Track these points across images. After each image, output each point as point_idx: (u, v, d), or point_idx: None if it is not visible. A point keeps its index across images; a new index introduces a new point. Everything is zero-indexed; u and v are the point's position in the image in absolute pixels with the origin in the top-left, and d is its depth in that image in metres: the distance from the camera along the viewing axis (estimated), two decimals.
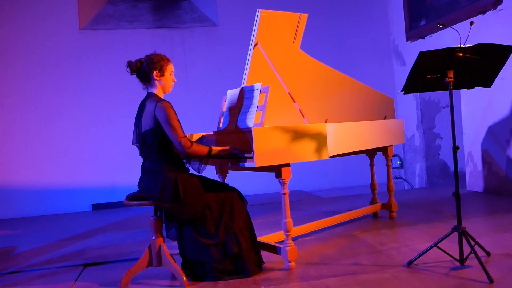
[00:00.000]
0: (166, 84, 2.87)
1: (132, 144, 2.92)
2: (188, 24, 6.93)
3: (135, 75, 2.86)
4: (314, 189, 7.00)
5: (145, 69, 2.80)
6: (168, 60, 2.87)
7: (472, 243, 2.67)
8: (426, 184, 6.81)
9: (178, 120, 2.73)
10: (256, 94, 3.00)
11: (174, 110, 2.74)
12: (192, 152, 2.70)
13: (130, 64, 2.82)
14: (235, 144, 3.00)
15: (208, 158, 2.81)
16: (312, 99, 3.52)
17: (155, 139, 2.74)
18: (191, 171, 2.92)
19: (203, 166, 2.86)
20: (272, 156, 2.75)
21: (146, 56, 2.85)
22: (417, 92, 3.20)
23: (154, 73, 2.81)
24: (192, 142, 2.71)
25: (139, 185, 2.85)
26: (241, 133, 2.97)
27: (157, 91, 2.85)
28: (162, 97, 2.84)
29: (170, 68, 2.87)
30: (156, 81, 2.83)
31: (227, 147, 2.88)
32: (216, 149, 2.82)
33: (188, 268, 2.86)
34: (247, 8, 6.02)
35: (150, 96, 2.83)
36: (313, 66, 3.58)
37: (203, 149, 2.75)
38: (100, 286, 2.90)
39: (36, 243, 4.26)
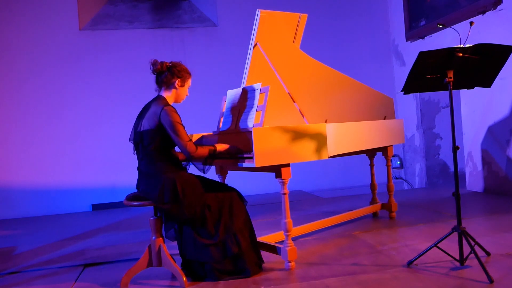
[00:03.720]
0: (181, 95, 2.93)
1: (129, 140, 2.93)
2: (188, 24, 6.93)
3: (155, 75, 2.89)
4: (314, 189, 7.00)
5: (169, 74, 2.84)
6: (190, 74, 2.95)
7: (472, 243, 2.68)
8: (426, 184, 6.81)
9: (182, 125, 2.75)
10: (256, 94, 3.00)
11: (179, 115, 2.77)
12: (197, 156, 2.76)
13: (155, 64, 2.86)
14: (235, 144, 3.00)
15: (212, 159, 2.84)
16: (312, 99, 3.52)
17: (153, 140, 2.74)
18: (189, 170, 2.93)
19: (207, 166, 2.90)
20: (272, 156, 2.75)
21: (171, 62, 2.89)
22: (417, 92, 3.20)
23: (177, 81, 2.86)
24: (197, 146, 2.75)
25: (137, 187, 2.86)
26: (241, 133, 2.97)
27: (169, 97, 2.89)
28: (170, 104, 2.86)
29: (189, 82, 2.96)
30: (174, 89, 2.87)
31: (233, 148, 2.89)
32: (219, 148, 2.85)
33: (188, 268, 2.87)
34: (247, 8, 6.03)
35: (159, 98, 2.85)
36: (313, 66, 3.58)
37: (207, 151, 2.80)
38: (100, 286, 2.90)
39: (36, 243, 4.26)
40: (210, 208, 2.78)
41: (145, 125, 2.77)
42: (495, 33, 4.94)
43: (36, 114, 6.42)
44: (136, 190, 2.87)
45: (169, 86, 2.87)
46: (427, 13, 6.31)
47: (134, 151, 2.88)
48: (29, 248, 4.07)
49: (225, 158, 2.93)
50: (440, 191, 5.88)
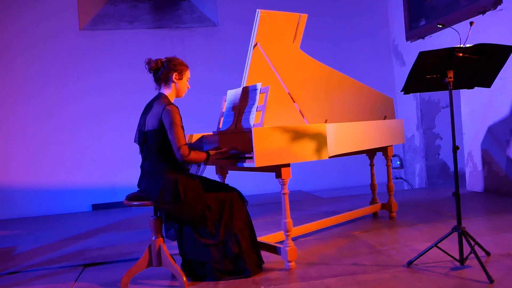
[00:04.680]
0: (181, 89, 2.91)
1: (134, 142, 2.93)
2: (188, 24, 6.93)
3: (152, 74, 2.88)
4: (314, 189, 7.00)
5: (165, 70, 2.83)
6: (187, 66, 2.93)
7: (472, 243, 2.68)
8: (426, 184, 6.81)
9: (182, 127, 2.75)
10: (256, 94, 3.00)
11: (180, 116, 2.75)
12: (189, 160, 2.73)
13: (150, 62, 2.84)
14: (235, 144, 3.00)
15: (206, 163, 2.84)
16: (312, 99, 3.52)
17: (157, 141, 2.74)
18: (191, 171, 2.93)
19: (201, 169, 2.89)
20: (272, 156, 2.75)
21: (166, 57, 2.88)
22: (417, 92, 3.21)
23: (174, 75, 2.84)
24: (190, 151, 2.73)
25: (138, 185, 2.86)
26: (241, 133, 2.97)
27: (170, 93, 2.87)
28: (172, 101, 2.85)
29: (188, 74, 2.93)
30: (173, 84, 2.86)
31: (224, 150, 2.89)
32: (213, 154, 2.83)
33: (188, 268, 2.87)
34: (247, 8, 6.02)
35: (160, 97, 2.83)
36: (313, 66, 3.58)
37: (201, 156, 2.77)
38: (100, 286, 2.90)
39: (36, 243, 4.26)
40: (210, 208, 2.78)
41: (149, 125, 2.77)
42: (495, 33, 4.94)
43: (36, 114, 6.41)
44: (137, 188, 2.87)
45: (168, 81, 2.86)
46: (427, 13, 6.31)
47: (140, 152, 2.88)
48: (29, 248, 4.07)
49: (222, 159, 2.92)
50: (440, 191, 5.88)
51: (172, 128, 2.69)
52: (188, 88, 2.95)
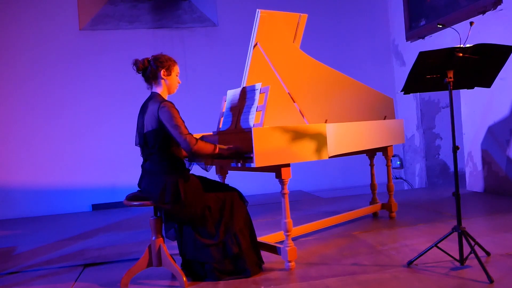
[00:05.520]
0: (172, 85, 2.88)
1: (135, 145, 2.92)
2: (188, 24, 6.93)
3: (141, 74, 2.87)
4: (314, 189, 7.00)
5: (153, 68, 2.81)
6: (175, 62, 2.89)
7: (472, 243, 2.68)
8: (426, 184, 6.81)
9: (182, 119, 2.73)
10: (256, 94, 3.00)
11: (177, 110, 2.74)
12: (198, 149, 2.67)
13: (136, 63, 2.82)
14: (235, 144, 3.00)
15: (213, 157, 2.80)
16: (312, 99, 3.52)
17: (157, 140, 2.73)
18: (192, 171, 2.92)
19: (209, 165, 2.87)
20: (272, 156, 2.75)
21: (152, 55, 2.86)
22: (417, 92, 3.21)
23: (162, 72, 2.81)
24: (197, 139, 2.69)
25: (139, 184, 2.86)
26: (241, 133, 2.97)
27: (162, 91, 2.85)
28: (166, 98, 2.84)
29: (176, 69, 2.89)
30: (163, 81, 2.84)
31: (232, 146, 2.86)
32: (221, 147, 2.79)
33: (188, 268, 2.87)
34: (247, 8, 6.02)
35: (153, 96, 2.82)
36: (313, 66, 3.58)
37: (208, 147, 2.72)
38: (100, 286, 2.90)
39: (36, 243, 4.26)
40: (210, 208, 2.78)
41: (148, 126, 2.75)
42: (495, 33, 4.94)
43: (36, 114, 6.41)
44: (137, 188, 2.87)
45: (157, 79, 2.84)
46: (427, 13, 6.31)
47: (142, 154, 2.87)
48: (29, 248, 4.07)
49: (227, 158, 2.89)
50: (440, 191, 5.88)
51: (172, 122, 2.67)
52: (179, 83, 2.92)
